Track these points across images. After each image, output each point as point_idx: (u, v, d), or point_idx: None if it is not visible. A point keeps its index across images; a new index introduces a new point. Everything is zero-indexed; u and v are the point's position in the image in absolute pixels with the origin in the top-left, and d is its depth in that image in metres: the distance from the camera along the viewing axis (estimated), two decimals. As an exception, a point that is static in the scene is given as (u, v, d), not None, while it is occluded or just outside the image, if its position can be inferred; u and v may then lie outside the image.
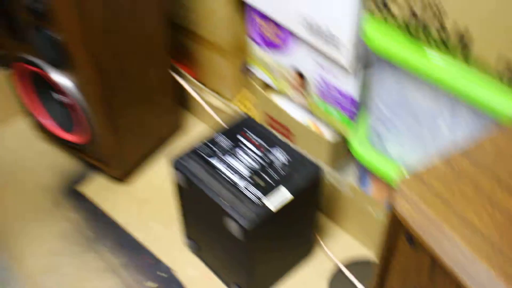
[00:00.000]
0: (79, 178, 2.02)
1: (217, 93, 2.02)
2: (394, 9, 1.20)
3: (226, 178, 1.45)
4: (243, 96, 2.05)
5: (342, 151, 1.74)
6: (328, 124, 1.75)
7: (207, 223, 1.54)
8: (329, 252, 1.70)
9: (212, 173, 1.46)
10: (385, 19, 1.23)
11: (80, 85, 1.67)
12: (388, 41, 1.23)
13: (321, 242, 1.73)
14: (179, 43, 2.05)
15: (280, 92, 1.88)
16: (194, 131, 2.14)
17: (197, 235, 1.68)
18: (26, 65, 1.74)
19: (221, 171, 1.47)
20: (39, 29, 1.58)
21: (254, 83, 1.94)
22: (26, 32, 1.65)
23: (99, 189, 1.98)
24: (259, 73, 1.91)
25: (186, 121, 2.18)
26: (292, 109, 1.84)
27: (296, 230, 1.57)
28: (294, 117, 1.79)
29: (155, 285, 1.69)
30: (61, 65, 1.65)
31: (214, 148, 1.53)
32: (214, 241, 1.58)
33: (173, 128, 2.09)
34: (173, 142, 2.11)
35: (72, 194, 1.97)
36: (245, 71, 2.00)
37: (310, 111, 1.78)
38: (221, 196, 1.40)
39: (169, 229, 1.83)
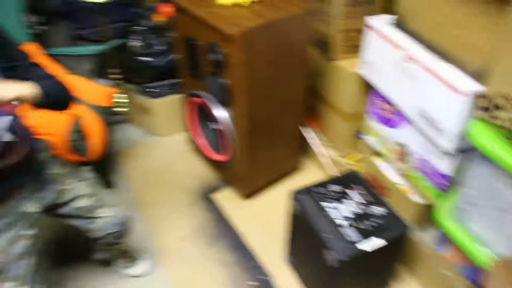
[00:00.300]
0: (214, 188, 2.14)
1: (332, 148, 2.06)
2: (499, 114, 1.19)
3: (332, 218, 1.48)
4: (352, 154, 2.09)
5: (427, 214, 1.72)
6: (419, 191, 1.73)
7: (308, 248, 1.58)
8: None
9: (321, 211, 1.51)
10: (489, 121, 1.23)
11: (233, 120, 1.78)
12: (489, 140, 1.22)
13: (396, 285, 1.69)
14: (311, 103, 2.12)
15: (383, 158, 1.90)
16: (309, 174, 2.20)
17: (297, 254, 1.72)
18: (197, 99, 1.89)
19: (328, 212, 1.50)
20: (214, 75, 1.72)
21: (364, 147, 1.96)
22: (204, 76, 1.80)
23: (227, 200, 2.07)
24: (369, 139, 1.94)
25: (304, 164, 2.24)
26: (391, 173, 1.83)
27: (377, 271, 1.57)
28: (392, 180, 1.79)
29: (255, 284, 1.73)
30: (223, 103, 1.77)
31: (326, 192, 1.57)
32: (310, 262, 1.61)
33: (293, 167, 2.17)
34: (291, 179, 2.17)
35: (206, 199, 2.09)
36: (358, 135, 2.03)
37: (406, 178, 1.77)
38: (325, 231, 1.44)
39: (275, 242, 1.87)
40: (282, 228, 1.88)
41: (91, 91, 1.81)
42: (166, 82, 2.42)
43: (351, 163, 1.99)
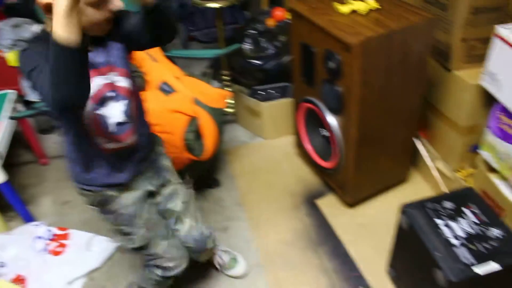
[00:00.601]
0: (318, 194, 2.15)
1: (443, 161, 1.98)
2: None
3: (444, 236, 1.43)
4: (465, 170, 1.99)
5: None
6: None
7: (415, 264, 1.54)
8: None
9: (433, 227, 1.46)
10: None
11: (343, 127, 1.78)
12: None
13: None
14: (422, 114, 2.05)
15: (501, 176, 1.79)
16: (416, 186, 2.14)
17: (400, 268, 1.68)
18: (309, 104, 1.92)
19: (441, 229, 1.45)
20: (328, 82, 1.73)
21: (479, 163, 1.87)
22: (316, 82, 1.82)
23: (331, 206, 2.08)
24: (486, 155, 1.83)
25: (411, 176, 2.18)
26: (509, 192, 1.73)
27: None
28: (510, 200, 1.68)
29: (356, 295, 1.73)
30: (335, 110, 1.77)
31: (439, 209, 1.52)
32: (416, 279, 1.57)
33: (400, 178, 2.12)
34: (397, 190, 2.13)
35: (310, 203, 2.11)
36: (473, 150, 1.94)
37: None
38: (436, 249, 1.40)
39: (377, 254, 1.85)
40: (386, 240, 1.84)
41: (207, 93, 1.91)
42: (274, 85, 2.48)
43: (463, 178, 1.90)
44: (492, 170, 1.85)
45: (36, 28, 2.45)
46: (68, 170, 1.32)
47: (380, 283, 1.75)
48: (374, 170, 1.93)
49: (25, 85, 2.47)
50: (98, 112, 1.15)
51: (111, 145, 1.21)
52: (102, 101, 1.15)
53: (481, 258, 1.36)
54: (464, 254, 1.37)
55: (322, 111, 1.83)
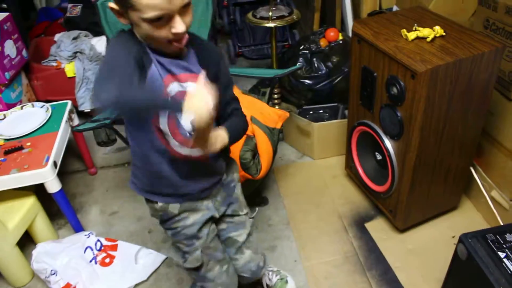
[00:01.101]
0: (367, 217, 2.16)
1: (499, 191, 1.97)
2: None
3: (507, 268, 1.42)
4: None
5: None
6: None
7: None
8: None
9: (494, 259, 1.45)
10: None
11: (400, 152, 1.79)
12: None
13: None
14: (479, 143, 2.04)
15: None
16: (467, 215, 2.12)
17: (455, 299, 1.66)
18: (365, 128, 1.93)
19: (502, 261, 1.44)
20: (388, 106, 1.75)
21: (537, 194, 1.85)
22: (375, 106, 1.84)
23: (380, 231, 2.08)
24: (546, 187, 1.82)
25: (463, 204, 2.16)
26: None
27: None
28: None
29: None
30: (394, 135, 1.78)
31: (501, 240, 1.50)
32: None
33: (452, 206, 2.11)
34: (448, 218, 2.11)
35: (358, 226, 2.11)
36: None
37: None
38: (499, 282, 1.38)
39: (425, 282, 1.84)
40: (435, 267, 1.84)
41: (264, 112, 1.95)
42: (324, 105, 2.51)
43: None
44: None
45: (94, 41, 2.54)
46: (132, 179, 1.32)
47: (431, 311, 1.74)
48: (427, 196, 1.93)
49: (79, 95, 2.55)
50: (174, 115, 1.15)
51: (184, 151, 1.19)
52: None
53: (545, 295, 1.34)
54: (528, 290, 1.36)
55: (380, 135, 1.85)
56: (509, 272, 1.41)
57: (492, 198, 1.97)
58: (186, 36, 1.06)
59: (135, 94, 0.92)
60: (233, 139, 1.19)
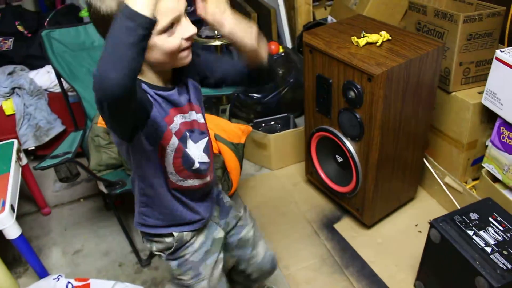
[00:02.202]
0: (334, 218, 2.26)
1: (450, 177, 2.16)
2: None
3: (477, 244, 1.57)
4: (471, 183, 2.18)
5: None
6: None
7: (447, 274, 1.66)
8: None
9: (465, 238, 1.60)
10: None
11: (362, 153, 1.91)
12: None
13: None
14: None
15: (505, 185, 1.97)
16: (425, 203, 2.30)
17: (429, 280, 1.80)
18: (324, 133, 2.04)
19: (472, 238, 1.59)
20: (347, 110, 1.87)
21: (484, 175, 2.05)
22: (333, 111, 1.95)
23: (349, 229, 2.19)
24: (490, 167, 2.02)
25: (419, 194, 2.34)
26: (518, 200, 1.91)
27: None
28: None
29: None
30: (354, 137, 1.90)
31: (467, 220, 1.66)
32: (448, 288, 1.69)
33: (410, 197, 2.27)
34: (408, 208, 2.28)
35: (329, 229, 2.21)
36: (476, 164, 2.13)
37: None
38: (473, 257, 1.53)
39: (400, 270, 1.97)
40: (406, 255, 1.97)
41: (227, 129, 2.00)
42: (274, 117, 2.60)
43: (470, 192, 2.07)
44: (496, 181, 2.04)
45: (33, 74, 2.45)
46: (143, 218, 1.27)
47: (410, 297, 1.87)
48: (389, 190, 2.07)
49: (21, 133, 2.45)
50: (182, 149, 1.13)
51: (194, 182, 1.20)
52: (183, 140, 1.14)
53: (515, 262, 1.51)
54: (499, 260, 1.51)
55: (340, 138, 1.96)
56: (480, 247, 1.56)
57: (446, 184, 2.16)
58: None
59: (111, 44, 0.79)
60: None
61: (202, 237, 1.32)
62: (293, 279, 1.98)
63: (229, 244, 1.48)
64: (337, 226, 2.21)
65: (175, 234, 1.25)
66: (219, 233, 1.38)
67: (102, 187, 1.95)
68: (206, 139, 1.21)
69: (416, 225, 2.16)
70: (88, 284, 1.99)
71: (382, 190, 2.03)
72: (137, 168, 1.15)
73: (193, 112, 1.16)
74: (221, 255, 1.39)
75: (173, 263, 1.31)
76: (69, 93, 2.28)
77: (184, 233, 1.27)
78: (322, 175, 2.22)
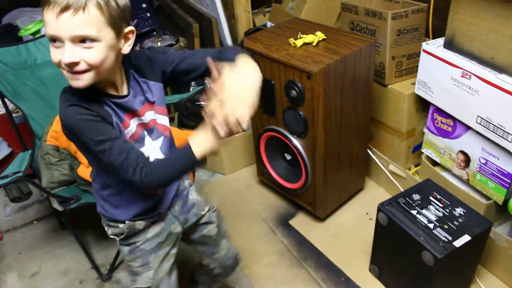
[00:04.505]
0: (289, 215, 2.37)
1: (393, 165, 2.31)
2: None
3: (420, 222, 1.72)
4: (413, 169, 2.34)
5: (495, 213, 1.95)
6: (484, 192, 1.96)
7: (397, 253, 1.80)
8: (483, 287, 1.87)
9: (409, 217, 1.74)
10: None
11: (308, 148, 2.03)
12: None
13: (477, 280, 1.91)
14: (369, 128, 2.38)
15: (443, 168, 2.15)
16: (373, 192, 2.45)
17: (382, 262, 1.93)
18: (272, 133, 2.15)
19: (416, 217, 1.74)
20: (290, 109, 1.98)
21: (423, 160, 2.22)
22: (278, 111, 2.06)
23: (305, 224, 2.30)
24: (428, 152, 2.19)
25: (367, 184, 2.50)
26: (454, 181, 2.08)
27: (464, 266, 1.79)
28: (456, 187, 2.02)
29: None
30: (300, 134, 2.02)
31: (410, 201, 1.81)
32: (399, 267, 1.83)
33: (359, 188, 2.42)
34: (358, 198, 2.43)
35: (284, 225, 2.31)
36: (416, 151, 2.30)
37: (470, 182, 2.01)
38: (418, 234, 1.67)
39: (355, 257, 2.10)
40: (360, 242, 2.10)
41: (179, 137, 2.06)
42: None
43: (413, 176, 2.23)
44: (435, 165, 2.21)
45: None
46: (101, 204, 1.35)
47: (366, 280, 1.99)
48: (338, 183, 2.20)
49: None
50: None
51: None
52: (140, 140, 1.22)
53: (455, 234, 1.66)
54: (441, 234, 1.66)
55: (287, 137, 2.07)
56: (423, 224, 1.71)
57: (391, 172, 2.31)
58: (88, 75, 1.04)
59: (170, 167, 1.12)
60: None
61: (158, 228, 1.40)
62: (254, 276, 2.07)
63: (192, 240, 1.57)
64: (292, 222, 2.31)
65: (127, 222, 1.33)
66: (176, 228, 1.45)
67: (56, 204, 1.97)
68: (162, 138, 1.28)
69: (367, 213, 2.30)
70: (48, 305, 2.00)
71: (331, 182, 2.15)
72: (98, 165, 1.23)
73: (151, 112, 1.23)
74: (174, 250, 1.46)
75: (125, 249, 1.39)
76: (14, 114, 2.28)
77: (137, 222, 1.34)
78: (273, 174, 2.32)
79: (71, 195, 1.91)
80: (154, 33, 3.10)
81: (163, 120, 1.28)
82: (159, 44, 2.42)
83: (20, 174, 1.78)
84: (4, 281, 2.19)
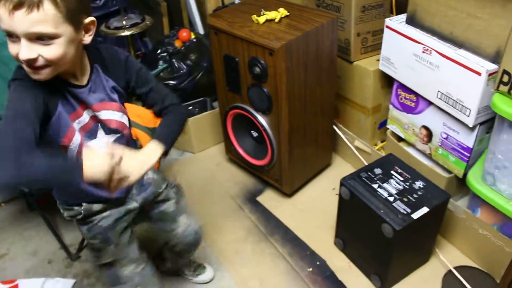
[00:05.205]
0: (257, 192, 2.39)
1: (359, 141, 2.34)
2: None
3: (381, 195, 1.75)
4: (378, 144, 2.37)
5: (455, 186, 2.00)
6: (445, 165, 2.00)
7: (360, 226, 1.83)
8: (443, 258, 1.92)
9: (370, 191, 1.77)
10: (508, 92, 1.52)
11: (273, 125, 2.04)
12: (509, 107, 1.52)
13: (437, 251, 1.96)
14: (337, 104, 2.39)
15: (407, 143, 2.18)
16: (340, 167, 2.48)
17: (346, 235, 1.97)
18: (238, 110, 2.15)
19: (377, 191, 1.77)
20: (255, 86, 1.98)
21: (388, 136, 2.25)
22: (243, 88, 2.06)
23: (271, 200, 2.33)
24: (393, 128, 2.22)
25: (334, 160, 2.52)
26: (417, 155, 2.11)
27: (423, 238, 1.83)
28: (419, 161, 2.06)
29: (313, 269, 1.97)
30: (264, 110, 2.02)
31: (372, 175, 1.83)
32: (361, 240, 1.86)
33: (326, 163, 2.44)
34: (325, 174, 2.46)
35: (252, 202, 2.33)
36: (381, 126, 2.32)
37: (432, 156, 2.05)
38: (378, 207, 1.70)
39: (321, 231, 2.13)
40: (326, 217, 2.13)
41: (142, 115, 2.05)
42: (191, 102, 2.68)
43: (378, 152, 2.26)
44: (400, 140, 2.24)
45: None
46: (53, 191, 1.37)
47: (332, 254, 2.02)
48: (304, 159, 2.22)
49: None
50: (87, 143, 1.20)
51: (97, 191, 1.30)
52: (92, 132, 1.21)
53: (413, 206, 1.69)
54: (401, 207, 1.69)
55: (252, 114, 2.08)
56: (384, 197, 1.74)
57: (357, 148, 2.34)
58: (48, 69, 1.03)
59: (35, 167, 0.93)
60: (171, 140, 1.31)
61: (114, 208, 1.41)
62: (221, 252, 2.09)
63: (150, 216, 1.58)
64: (260, 198, 2.33)
65: (84, 205, 1.34)
66: (133, 204, 1.46)
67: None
68: (118, 135, 1.29)
69: (333, 189, 2.33)
70: (16, 285, 2.00)
71: (297, 158, 2.17)
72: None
73: (109, 111, 1.23)
74: (130, 222, 1.48)
75: (83, 228, 1.40)
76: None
77: (94, 205, 1.35)
78: (241, 151, 2.33)
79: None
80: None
81: (123, 118, 1.28)
82: (124, 23, 2.38)
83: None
84: (-29, 264, 2.17)
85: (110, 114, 1.24)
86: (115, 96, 1.25)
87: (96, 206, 1.36)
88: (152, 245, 1.87)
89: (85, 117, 1.18)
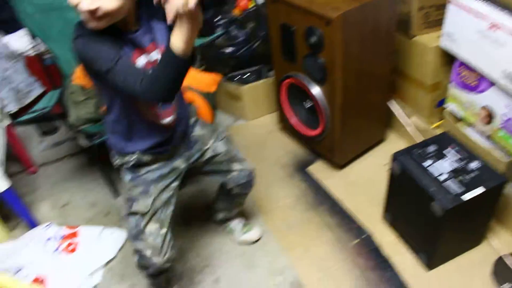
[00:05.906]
0: (307, 162, 2.38)
1: (416, 117, 2.27)
2: None
3: (432, 173, 1.69)
4: (435, 123, 2.29)
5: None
6: (505, 149, 1.90)
7: (410, 204, 1.79)
8: (495, 244, 1.85)
9: (422, 168, 1.72)
10: None
11: (328, 96, 2.01)
12: None
13: (490, 236, 1.89)
14: (394, 79, 2.32)
15: (467, 123, 2.09)
16: (393, 144, 2.41)
17: (396, 211, 1.93)
18: (292, 80, 2.13)
19: (428, 168, 1.71)
20: (310, 55, 1.95)
21: (447, 115, 2.16)
22: (299, 58, 2.04)
23: (322, 171, 2.32)
24: (452, 107, 2.13)
25: (388, 135, 2.47)
26: (476, 136, 2.02)
27: (475, 220, 1.77)
28: (478, 143, 1.97)
29: (358, 241, 1.96)
30: (319, 81, 2.00)
31: (425, 152, 1.78)
32: (411, 217, 1.82)
33: (379, 138, 2.39)
34: (378, 149, 2.42)
35: (302, 171, 2.33)
36: (440, 105, 2.23)
37: (491, 138, 1.96)
38: (429, 185, 1.65)
39: (370, 205, 2.10)
40: (376, 192, 2.10)
41: (199, 79, 2.08)
42: (247, 70, 2.69)
43: (435, 130, 2.18)
44: (458, 120, 2.15)
45: (7, 38, 2.50)
46: (109, 140, 1.45)
47: (379, 228, 2.00)
48: (357, 132, 2.18)
49: (2, 96, 2.52)
50: None
51: (156, 121, 1.36)
52: None
53: (467, 187, 1.63)
54: (452, 186, 1.64)
55: (307, 84, 2.06)
56: (433, 177, 1.69)
57: (412, 125, 2.27)
58: (105, 19, 1.11)
59: (162, 72, 1.08)
60: None
61: (162, 162, 1.47)
62: (269, 217, 2.12)
63: (205, 171, 1.65)
64: (310, 169, 2.33)
65: (136, 153, 1.40)
66: (181, 164, 1.52)
67: (81, 140, 2.05)
68: None
69: (385, 164, 2.27)
70: (77, 231, 2.12)
71: (350, 131, 2.14)
72: (112, 101, 1.30)
73: (157, 52, 1.27)
74: (175, 184, 1.52)
75: (127, 177, 1.47)
76: (47, 56, 2.34)
77: (145, 155, 1.42)
78: (293, 121, 2.32)
79: (95, 132, 1.98)
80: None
81: None
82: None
83: (47, 110, 1.85)
84: (38, 210, 2.32)
85: (158, 56, 1.28)
86: (164, 38, 1.27)
87: (147, 157, 1.42)
88: (205, 197, 1.94)
89: (139, 63, 1.23)
